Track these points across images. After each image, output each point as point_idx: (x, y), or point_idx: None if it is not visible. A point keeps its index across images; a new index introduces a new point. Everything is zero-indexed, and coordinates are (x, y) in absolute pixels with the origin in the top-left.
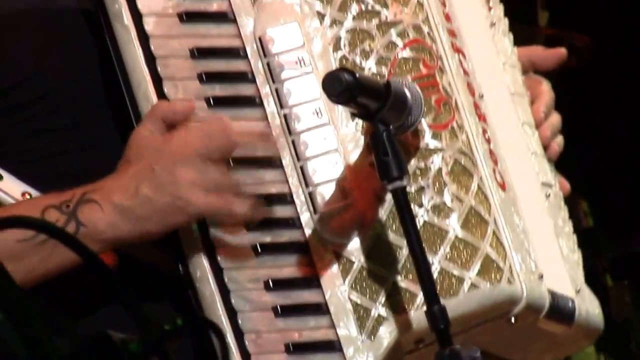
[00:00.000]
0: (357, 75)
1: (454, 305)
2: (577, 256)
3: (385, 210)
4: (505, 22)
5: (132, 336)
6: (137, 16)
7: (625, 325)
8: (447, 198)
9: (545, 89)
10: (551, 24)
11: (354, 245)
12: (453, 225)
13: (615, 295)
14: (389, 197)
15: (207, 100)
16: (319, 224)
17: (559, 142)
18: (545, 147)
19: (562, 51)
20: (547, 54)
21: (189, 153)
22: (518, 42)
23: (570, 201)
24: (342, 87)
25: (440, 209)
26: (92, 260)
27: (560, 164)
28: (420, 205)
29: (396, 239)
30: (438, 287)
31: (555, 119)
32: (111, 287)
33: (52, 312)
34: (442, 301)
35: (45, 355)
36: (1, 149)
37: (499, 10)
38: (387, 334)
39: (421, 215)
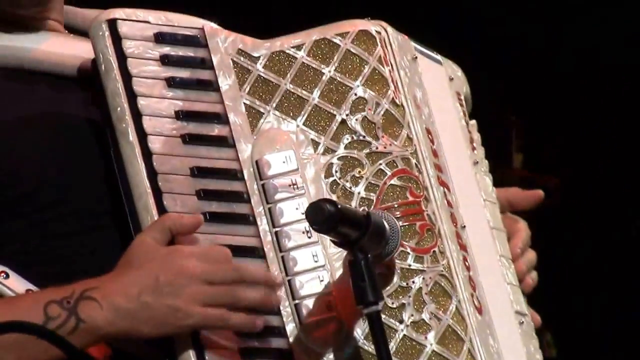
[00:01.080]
0: (339, 206)
1: None
2: None
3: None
4: (486, 163)
5: None
6: (142, 135)
7: None
8: (425, 316)
9: (522, 227)
10: (524, 166)
11: (336, 356)
12: (430, 340)
13: None
14: None
15: (204, 215)
16: (303, 333)
17: (533, 276)
18: (521, 280)
19: (539, 193)
20: (524, 195)
21: (192, 270)
22: (493, 181)
23: (536, 332)
24: (324, 216)
25: (419, 325)
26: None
27: (530, 298)
28: (401, 321)
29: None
30: None
31: (531, 255)
32: None
33: None
34: None
35: None
36: (9, 249)
37: (481, 151)
38: None
39: (401, 330)
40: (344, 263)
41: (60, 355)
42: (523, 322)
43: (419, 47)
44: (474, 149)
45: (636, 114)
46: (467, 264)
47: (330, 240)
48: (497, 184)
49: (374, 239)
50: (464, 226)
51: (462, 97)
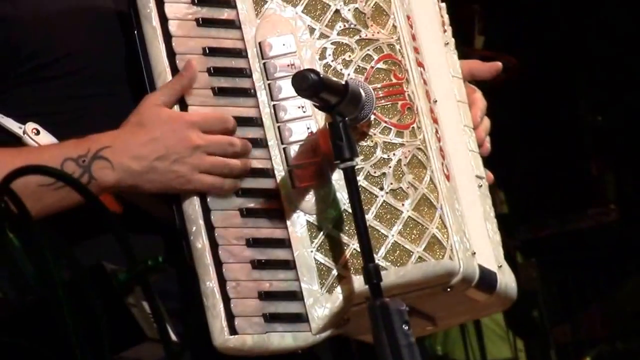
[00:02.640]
0: (321, 75)
1: (403, 273)
2: (498, 237)
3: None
4: (453, 42)
5: (120, 267)
6: (163, 19)
7: (531, 296)
8: (404, 184)
9: (479, 97)
10: (485, 47)
11: (322, 216)
12: (407, 207)
13: (524, 271)
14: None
15: (213, 89)
16: (294, 193)
17: (488, 143)
18: (479, 146)
19: (498, 64)
20: (484, 66)
21: (195, 141)
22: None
23: (489, 191)
24: (308, 83)
25: (397, 193)
26: (98, 207)
27: (484, 160)
28: (381, 188)
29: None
30: (390, 257)
31: (487, 122)
32: (109, 227)
33: (57, 241)
34: (393, 269)
35: (50, 278)
36: (40, 109)
37: (449, 32)
38: (342, 290)
39: (381, 196)
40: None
41: (71, 205)
42: (481, 184)
43: None
44: (445, 31)
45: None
46: (438, 135)
47: (313, 104)
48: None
49: (351, 104)
50: (436, 101)
51: None
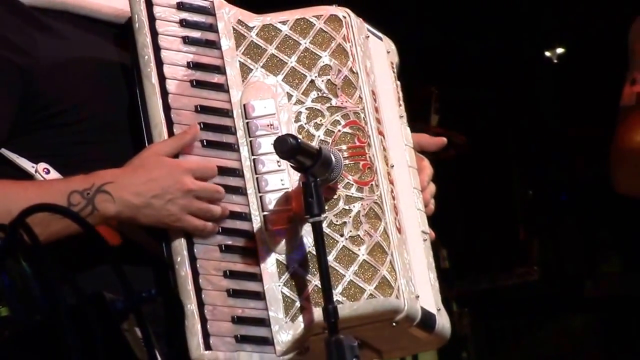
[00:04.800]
0: (299, 140)
1: (356, 307)
2: (437, 285)
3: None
4: (405, 116)
5: (118, 297)
6: (162, 78)
7: (462, 339)
8: (361, 232)
9: (427, 165)
10: (439, 125)
11: (290, 256)
12: (363, 251)
13: (457, 317)
14: None
15: (202, 141)
16: (267, 236)
17: (432, 204)
18: (425, 206)
19: (442, 139)
20: (432, 140)
21: (188, 186)
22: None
23: (434, 248)
24: (287, 147)
25: (355, 239)
26: (97, 239)
27: (430, 220)
28: (342, 235)
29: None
30: (346, 293)
31: (433, 187)
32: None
33: (63, 270)
34: (348, 303)
35: (56, 302)
36: (49, 152)
37: (403, 107)
38: (303, 320)
39: (341, 242)
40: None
41: (74, 232)
42: (426, 239)
43: (368, 27)
44: (400, 105)
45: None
46: (393, 194)
47: (290, 165)
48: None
49: (323, 167)
50: (393, 165)
51: (394, 65)
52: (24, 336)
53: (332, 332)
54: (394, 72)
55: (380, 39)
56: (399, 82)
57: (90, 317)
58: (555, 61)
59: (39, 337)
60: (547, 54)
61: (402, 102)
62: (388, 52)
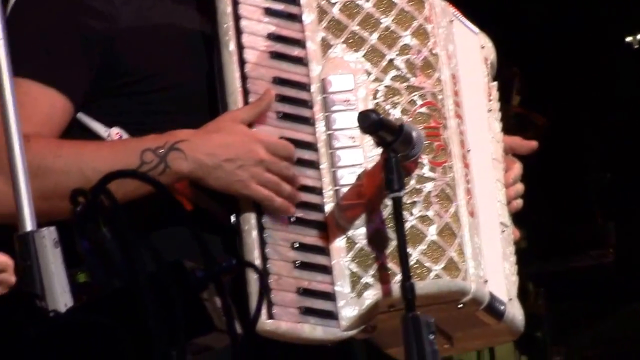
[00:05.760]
0: (381, 116)
1: (422, 286)
2: (514, 279)
3: (386, 212)
4: (499, 113)
5: (199, 266)
6: (240, 47)
7: (537, 319)
8: (430, 213)
9: (517, 166)
10: (520, 105)
11: (359, 232)
12: (432, 232)
13: (533, 297)
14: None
15: (278, 113)
16: (337, 211)
17: (518, 203)
18: (508, 203)
19: (534, 143)
20: (523, 143)
21: (260, 156)
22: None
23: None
24: (370, 122)
25: (424, 219)
26: (173, 202)
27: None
28: (411, 214)
29: (390, 233)
30: (413, 272)
31: (520, 187)
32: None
33: (145, 237)
34: (414, 282)
35: (136, 268)
36: (123, 119)
37: (496, 103)
38: (370, 296)
39: (410, 220)
40: (379, 161)
41: (148, 192)
42: (505, 230)
43: (462, 18)
44: (490, 100)
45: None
46: (467, 178)
47: (373, 140)
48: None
49: (404, 143)
50: (469, 150)
51: (489, 63)
52: (102, 302)
53: (409, 308)
54: (487, 67)
55: (475, 32)
56: (493, 83)
57: (170, 285)
58: (636, 47)
59: (117, 303)
60: (628, 39)
61: (493, 99)
62: (482, 47)
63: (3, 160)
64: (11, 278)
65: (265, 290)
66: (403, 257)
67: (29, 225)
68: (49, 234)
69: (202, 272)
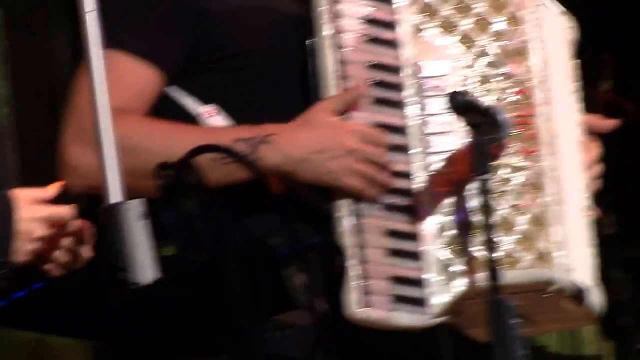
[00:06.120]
0: (470, 98)
1: (512, 276)
2: (593, 262)
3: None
4: (578, 93)
5: (284, 244)
6: (336, 31)
7: (622, 306)
8: (522, 202)
9: (596, 147)
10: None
11: (449, 219)
12: (522, 222)
13: (619, 284)
14: None
15: (370, 98)
16: (428, 197)
17: (597, 184)
18: (589, 185)
19: (613, 122)
20: (602, 122)
21: (351, 146)
22: (585, 98)
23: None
24: (459, 103)
25: (515, 209)
26: (262, 184)
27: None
28: (503, 204)
29: (479, 220)
30: (504, 261)
31: (599, 168)
32: (273, 205)
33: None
34: (504, 271)
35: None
36: (216, 96)
37: (576, 84)
38: (459, 284)
39: (501, 210)
40: (468, 146)
41: (237, 179)
42: (588, 215)
43: (547, 1)
44: (572, 81)
45: None
46: (556, 166)
47: (462, 122)
48: (587, 100)
49: (492, 127)
50: (558, 137)
51: (571, 43)
52: (186, 276)
53: (495, 292)
54: (571, 48)
55: (560, 14)
56: (574, 60)
57: (255, 261)
58: None
59: (202, 278)
60: None
61: (574, 79)
62: (566, 29)
63: (92, 132)
64: (87, 252)
65: (358, 278)
66: (489, 243)
67: (115, 197)
68: (135, 206)
69: (287, 249)
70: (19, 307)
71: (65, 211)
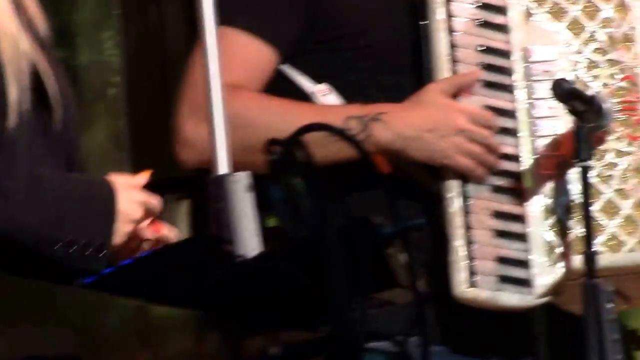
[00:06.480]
0: (574, 86)
1: (615, 259)
2: None
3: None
4: None
5: (386, 222)
6: (449, 15)
7: None
8: (627, 187)
9: None
10: None
11: (555, 201)
12: (627, 206)
13: None
14: None
15: (481, 81)
16: (535, 180)
17: None
18: None
19: None
20: None
21: (461, 126)
22: None
23: None
24: (563, 90)
25: (620, 193)
26: (369, 163)
27: None
28: (608, 188)
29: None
30: (607, 244)
31: None
32: (379, 185)
33: (335, 190)
34: (607, 254)
35: (325, 220)
36: (327, 75)
37: None
38: (563, 265)
39: (606, 193)
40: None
41: (346, 157)
42: None
43: None
44: None
45: None
46: None
47: (565, 109)
48: None
49: (595, 114)
50: None
51: None
52: (289, 250)
53: (591, 276)
54: None
55: None
56: None
57: (357, 238)
58: None
59: (304, 253)
60: None
61: None
62: None
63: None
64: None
65: (465, 258)
66: (588, 226)
67: (223, 168)
68: (243, 178)
69: (389, 228)
70: (124, 275)
71: (156, 198)
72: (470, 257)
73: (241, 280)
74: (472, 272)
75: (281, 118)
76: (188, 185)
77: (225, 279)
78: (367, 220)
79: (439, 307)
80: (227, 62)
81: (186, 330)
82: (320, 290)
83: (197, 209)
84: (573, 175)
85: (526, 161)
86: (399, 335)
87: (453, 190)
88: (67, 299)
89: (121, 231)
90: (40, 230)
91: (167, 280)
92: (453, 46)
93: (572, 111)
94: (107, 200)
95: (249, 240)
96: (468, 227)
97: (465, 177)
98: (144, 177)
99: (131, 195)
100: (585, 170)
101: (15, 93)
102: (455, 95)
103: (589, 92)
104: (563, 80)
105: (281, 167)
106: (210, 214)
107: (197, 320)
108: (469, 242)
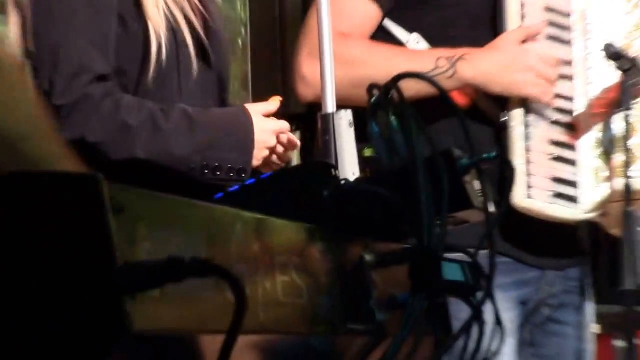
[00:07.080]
0: (619, 49)
1: None
2: None
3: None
4: None
5: (464, 154)
6: None
7: None
8: None
9: None
10: None
11: (602, 135)
12: None
13: None
14: None
15: (546, 35)
16: (587, 117)
17: None
18: None
19: None
20: None
21: (532, 64)
22: None
23: None
24: (610, 52)
25: None
26: (449, 101)
27: None
28: None
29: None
30: None
31: None
32: (458, 120)
33: (424, 126)
34: None
35: (415, 152)
36: (420, 28)
37: None
38: (607, 187)
39: None
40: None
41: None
42: None
43: None
44: None
45: None
46: None
47: (615, 65)
48: None
49: (636, 72)
50: None
51: None
52: (384, 177)
53: (628, 202)
54: None
55: None
56: None
57: (441, 167)
58: None
59: (396, 180)
60: None
61: None
62: None
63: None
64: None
65: (524, 175)
66: (627, 156)
67: (330, 107)
68: (346, 115)
69: (467, 159)
70: (249, 192)
71: (287, 124)
72: (528, 174)
73: (344, 199)
74: (529, 186)
75: (384, 58)
76: (299, 120)
77: (331, 198)
78: (449, 152)
79: (506, 225)
80: (338, 14)
81: (299, 239)
82: (408, 210)
83: (306, 140)
84: (617, 116)
85: (581, 102)
86: (472, 249)
87: (517, 119)
88: (201, 211)
89: (258, 157)
90: (193, 158)
91: (285, 197)
92: (522, 5)
93: (619, 68)
94: (247, 129)
95: (350, 166)
96: (527, 150)
97: (528, 109)
98: (275, 104)
99: (266, 123)
100: (625, 116)
101: (162, 32)
102: (525, 42)
103: (633, 53)
104: (611, 45)
105: (379, 107)
106: (318, 144)
107: (308, 232)
108: (528, 162)
